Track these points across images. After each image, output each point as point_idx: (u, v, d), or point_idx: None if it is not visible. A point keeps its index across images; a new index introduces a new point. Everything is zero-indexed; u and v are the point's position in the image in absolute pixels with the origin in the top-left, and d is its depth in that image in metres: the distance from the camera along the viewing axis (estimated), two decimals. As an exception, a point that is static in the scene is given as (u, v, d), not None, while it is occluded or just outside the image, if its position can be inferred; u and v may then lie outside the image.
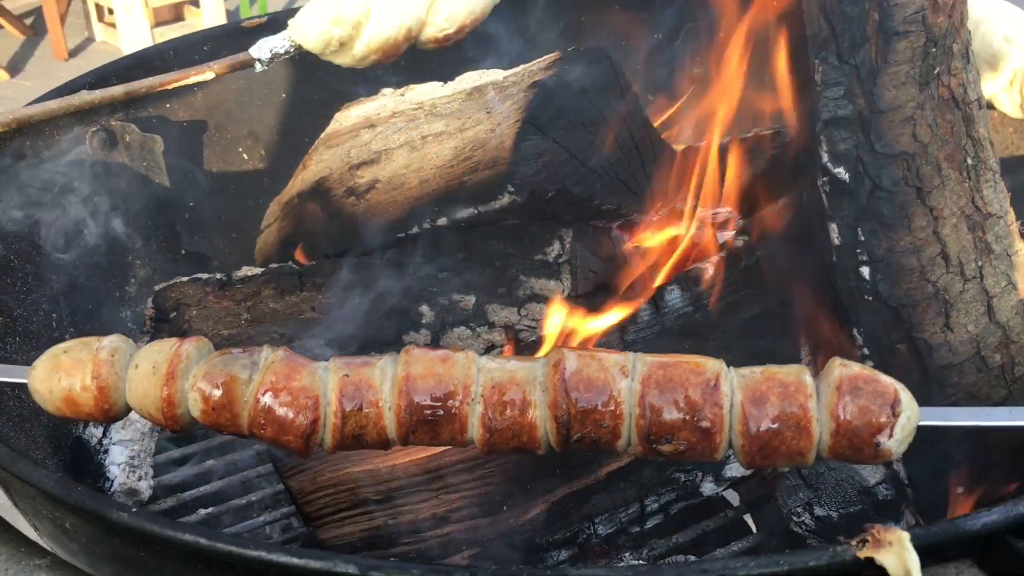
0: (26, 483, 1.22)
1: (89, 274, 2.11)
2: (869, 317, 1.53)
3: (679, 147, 1.79)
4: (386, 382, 1.25)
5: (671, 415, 1.20)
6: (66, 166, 2.10)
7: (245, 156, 2.50)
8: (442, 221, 1.66)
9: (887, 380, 1.19)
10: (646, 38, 2.51)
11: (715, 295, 1.56)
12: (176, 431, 1.29)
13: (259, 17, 2.47)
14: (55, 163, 2.10)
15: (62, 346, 1.31)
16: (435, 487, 1.51)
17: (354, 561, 1.05)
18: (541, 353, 1.62)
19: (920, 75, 1.47)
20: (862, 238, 1.50)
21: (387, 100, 1.99)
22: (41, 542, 1.27)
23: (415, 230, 1.70)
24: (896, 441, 1.18)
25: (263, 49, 2.18)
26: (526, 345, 1.70)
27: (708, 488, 1.60)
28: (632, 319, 1.57)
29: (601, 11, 2.52)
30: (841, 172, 1.49)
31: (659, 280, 1.64)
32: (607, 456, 1.55)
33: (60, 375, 1.28)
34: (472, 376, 1.24)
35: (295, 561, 1.06)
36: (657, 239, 1.75)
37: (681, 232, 1.75)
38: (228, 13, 7.02)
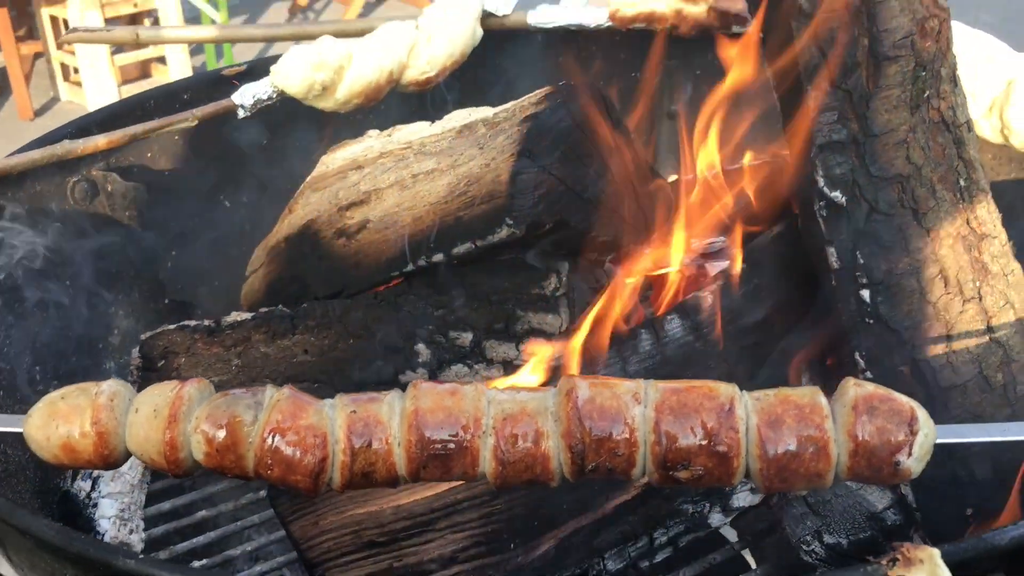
0: (25, 534, 1.18)
1: (70, 326, 2.07)
2: (871, 340, 1.53)
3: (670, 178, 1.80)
4: (394, 417, 1.22)
5: (687, 441, 1.19)
6: (47, 217, 2.08)
7: (227, 204, 2.48)
8: (438, 258, 1.65)
9: (903, 399, 1.19)
10: (623, 76, 2.53)
11: (718, 323, 1.56)
12: (178, 475, 1.26)
13: (238, 65, 2.46)
14: (36, 214, 2.07)
15: (59, 392, 1.27)
16: (440, 527, 1.48)
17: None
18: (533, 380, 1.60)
19: (911, 99, 1.48)
20: (861, 261, 1.50)
21: (374, 141, 1.99)
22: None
23: (410, 268, 1.69)
24: (915, 460, 1.17)
25: (246, 95, 2.17)
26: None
27: (716, 519, 1.58)
28: (634, 349, 1.56)
29: (580, 52, 2.53)
30: (838, 196, 1.50)
31: (659, 310, 1.63)
32: (614, 489, 1.53)
33: (57, 422, 1.24)
34: (482, 408, 1.22)
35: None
36: (651, 270, 1.75)
37: (674, 263, 1.74)
38: (195, 69, 7.02)
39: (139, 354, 1.96)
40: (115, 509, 1.78)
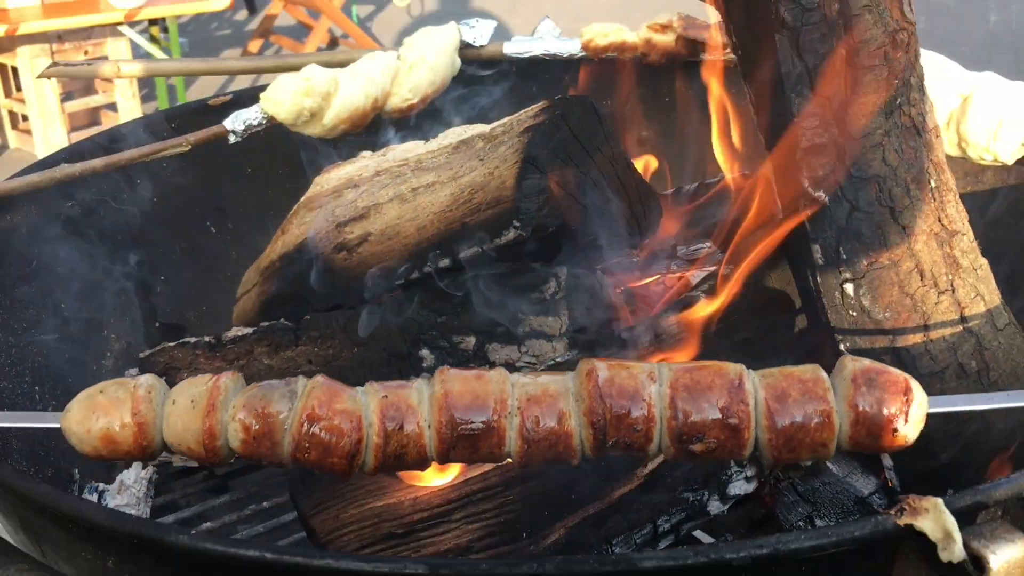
0: (70, 521, 1.21)
1: (66, 348, 2.10)
2: (855, 332, 1.63)
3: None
4: (424, 401, 1.29)
5: (701, 415, 1.27)
6: (41, 242, 2.11)
7: (213, 229, 2.53)
8: (444, 263, 1.72)
9: (897, 371, 1.29)
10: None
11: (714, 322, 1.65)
12: (214, 464, 1.31)
13: (224, 96, 2.53)
14: (31, 239, 2.11)
15: (97, 387, 1.32)
16: (456, 517, 1.54)
17: (424, 562, 1.08)
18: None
19: (885, 105, 1.60)
20: (844, 256, 1.61)
21: (368, 161, 2.06)
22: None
23: (415, 275, 1.75)
24: (911, 427, 1.27)
25: (237, 121, 2.25)
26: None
27: (714, 507, 1.66)
28: (633, 346, 1.64)
29: (556, 81, 2.64)
30: (821, 195, 1.60)
31: (654, 311, 1.72)
32: (618, 480, 1.61)
33: (97, 414, 1.29)
34: (507, 391, 1.29)
35: (364, 567, 1.08)
36: (643, 277, 1.84)
37: (665, 269, 1.84)
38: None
39: (138, 372, 1.99)
40: (123, 520, 1.80)
